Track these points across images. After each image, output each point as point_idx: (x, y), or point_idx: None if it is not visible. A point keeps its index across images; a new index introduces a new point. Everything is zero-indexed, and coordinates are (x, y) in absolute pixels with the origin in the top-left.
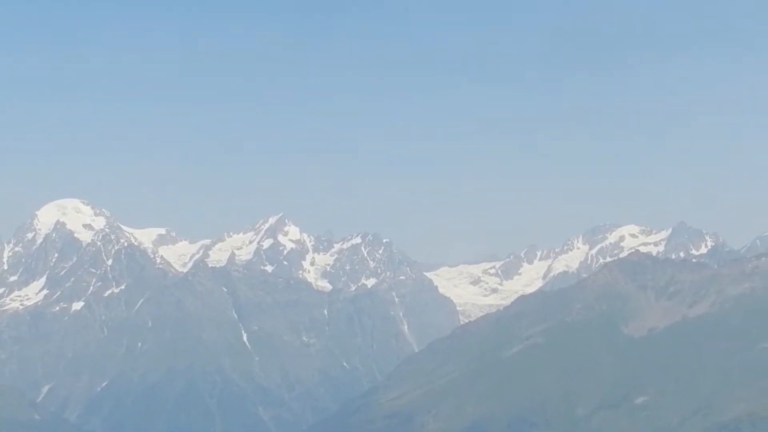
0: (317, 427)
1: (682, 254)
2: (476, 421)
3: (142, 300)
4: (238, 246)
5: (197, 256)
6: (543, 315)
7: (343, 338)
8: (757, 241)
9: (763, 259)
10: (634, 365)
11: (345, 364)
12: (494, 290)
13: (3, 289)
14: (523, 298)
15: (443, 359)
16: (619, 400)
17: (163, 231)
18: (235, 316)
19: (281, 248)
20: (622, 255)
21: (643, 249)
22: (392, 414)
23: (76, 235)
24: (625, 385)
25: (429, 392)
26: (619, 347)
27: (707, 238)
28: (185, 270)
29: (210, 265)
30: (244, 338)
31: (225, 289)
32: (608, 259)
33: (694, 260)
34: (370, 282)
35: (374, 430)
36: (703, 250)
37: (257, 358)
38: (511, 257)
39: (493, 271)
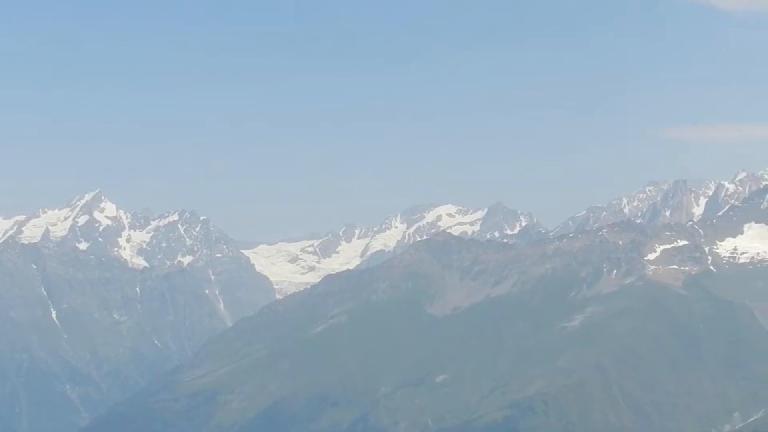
0: (121, 405)
1: (497, 234)
2: (278, 399)
3: None
4: (53, 222)
5: (11, 232)
6: (349, 294)
7: (155, 316)
8: (570, 222)
9: (565, 240)
10: (437, 344)
11: (156, 341)
12: (312, 268)
13: None
14: (330, 277)
15: (250, 337)
16: (421, 378)
17: None
18: (45, 293)
19: (97, 225)
20: None
21: (459, 228)
22: (196, 392)
23: None
24: (427, 363)
25: (234, 371)
26: (422, 326)
27: (522, 218)
28: None
29: (24, 242)
30: (53, 316)
31: (35, 266)
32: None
33: (505, 240)
34: (187, 259)
35: (177, 408)
36: (518, 231)
37: (66, 336)
38: (330, 235)
39: (311, 249)
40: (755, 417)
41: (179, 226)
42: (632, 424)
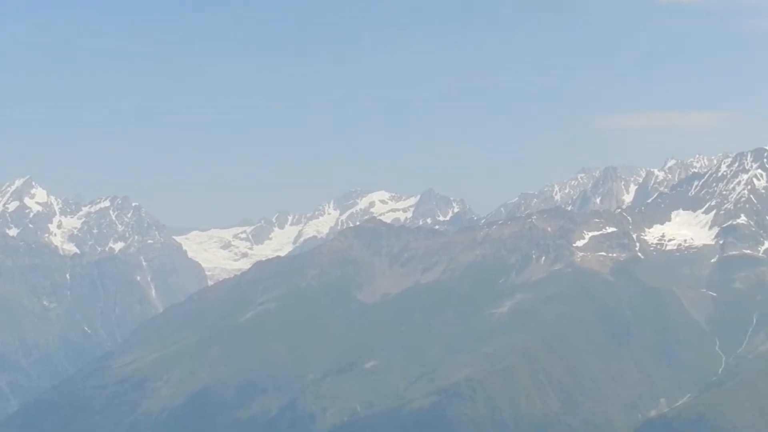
0: (49, 392)
1: (429, 220)
2: (207, 386)
3: None
4: None
5: None
6: (279, 281)
7: (85, 303)
8: (502, 209)
9: (494, 227)
10: (366, 331)
11: (86, 328)
12: (244, 255)
13: None
14: (260, 264)
15: (179, 324)
16: (349, 364)
17: None
18: None
19: (27, 211)
20: None
21: (392, 215)
22: (124, 379)
23: None
24: (356, 350)
25: (163, 357)
26: (351, 313)
27: (454, 204)
28: None
29: None
30: None
31: None
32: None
33: (437, 227)
34: (118, 246)
35: (105, 395)
36: (450, 217)
37: None
38: (263, 222)
39: (243, 235)
40: (681, 402)
41: (111, 212)
42: (559, 410)
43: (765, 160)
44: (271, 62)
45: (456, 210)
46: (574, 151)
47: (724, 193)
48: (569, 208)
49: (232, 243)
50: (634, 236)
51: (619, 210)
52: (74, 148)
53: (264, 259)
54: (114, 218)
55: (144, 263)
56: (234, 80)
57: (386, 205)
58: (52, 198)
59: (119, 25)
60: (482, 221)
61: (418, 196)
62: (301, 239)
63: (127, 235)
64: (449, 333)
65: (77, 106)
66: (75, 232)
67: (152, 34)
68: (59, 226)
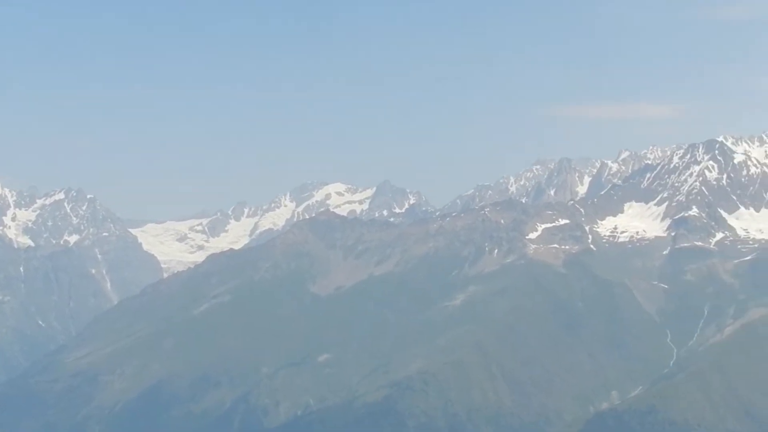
0: (2, 386)
1: (385, 212)
2: (160, 380)
3: None
4: None
5: None
6: (232, 273)
7: (39, 296)
8: (458, 201)
9: (448, 219)
10: (320, 324)
11: (41, 322)
12: (200, 247)
13: None
14: (214, 256)
15: (133, 317)
16: (303, 358)
17: None
18: None
19: None
20: None
21: (348, 207)
22: (76, 373)
23: None
24: (310, 343)
25: (116, 351)
26: (305, 306)
27: (410, 196)
28: None
29: None
30: None
31: None
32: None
33: (392, 219)
34: (73, 238)
35: (57, 389)
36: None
37: None
38: (219, 214)
39: (200, 227)
40: (633, 395)
41: (65, 205)
42: (511, 402)
43: (717, 151)
44: (228, 53)
45: (412, 202)
46: (532, 143)
47: (676, 184)
48: (524, 200)
49: (188, 235)
50: (587, 228)
51: (572, 202)
52: (29, 140)
53: (219, 251)
54: (69, 210)
55: (99, 256)
56: (192, 72)
57: (342, 197)
58: (6, 190)
59: (67, 15)
60: (437, 213)
61: (374, 188)
62: (258, 231)
63: (82, 227)
64: (403, 325)
65: (30, 97)
66: (29, 224)
67: (104, 23)
68: (13, 219)
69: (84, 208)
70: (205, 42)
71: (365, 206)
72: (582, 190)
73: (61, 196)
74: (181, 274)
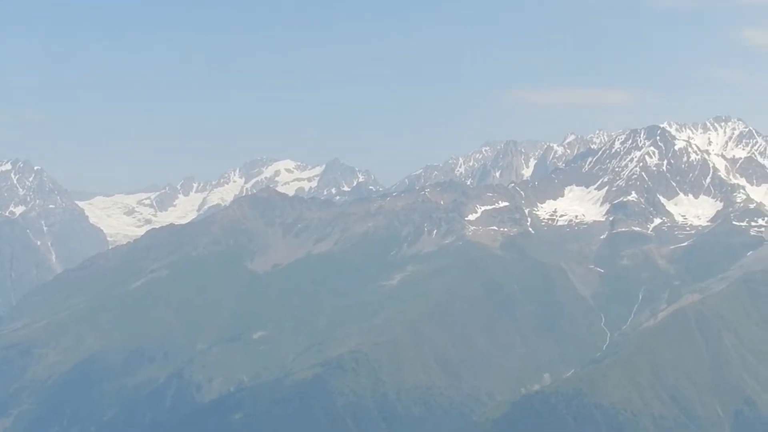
0: None
1: (333, 190)
2: (95, 353)
3: None
4: None
5: None
6: (171, 248)
7: None
8: (406, 180)
9: (388, 198)
10: (256, 301)
11: None
12: (148, 221)
13: None
14: (154, 231)
15: (71, 290)
16: (238, 334)
17: None
18: None
19: None
20: (277, 189)
21: (297, 184)
22: (10, 345)
23: None
24: (245, 319)
25: (52, 324)
26: (242, 282)
27: (359, 175)
28: None
29: None
30: None
31: None
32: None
33: (338, 197)
34: (19, 210)
35: None
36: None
37: None
38: (167, 188)
39: (148, 201)
40: (564, 378)
41: (12, 176)
42: (442, 383)
43: (658, 137)
44: (182, 25)
45: (360, 180)
46: (484, 125)
47: (617, 169)
48: (469, 182)
49: (136, 209)
50: (526, 211)
51: (513, 184)
52: None
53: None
54: (15, 182)
55: (45, 228)
56: (145, 42)
57: (291, 174)
58: None
59: None
60: (382, 193)
61: (324, 166)
62: (206, 207)
63: (29, 199)
64: (339, 304)
65: None
66: None
67: None
68: None
69: (31, 179)
70: (159, 12)
71: (314, 184)
72: (528, 173)
73: (8, 167)
74: (120, 248)
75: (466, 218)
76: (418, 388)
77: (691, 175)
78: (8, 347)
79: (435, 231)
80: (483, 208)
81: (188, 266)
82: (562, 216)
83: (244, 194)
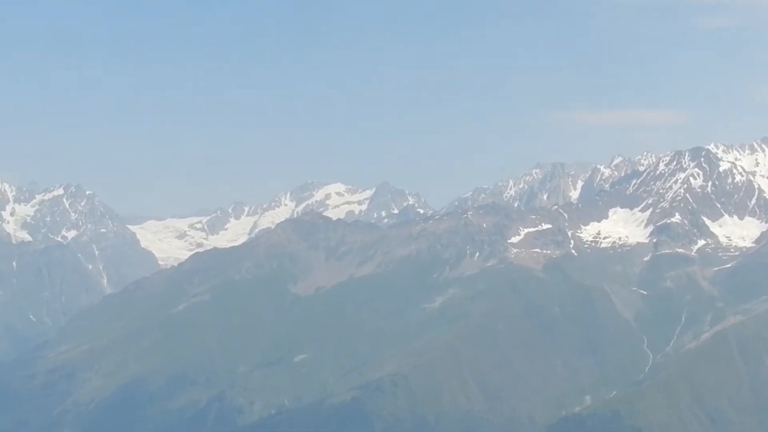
0: None
1: (383, 213)
2: (137, 377)
3: None
4: None
5: None
6: (215, 272)
7: (31, 291)
8: (455, 203)
9: (431, 221)
10: (298, 324)
11: (32, 317)
12: (200, 245)
13: None
14: (198, 255)
15: (115, 314)
16: (279, 357)
17: None
18: None
19: None
20: (327, 212)
21: (347, 207)
22: (54, 368)
23: None
24: (287, 343)
25: (95, 347)
26: (284, 306)
27: (409, 198)
28: None
29: None
30: None
31: None
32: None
33: (385, 220)
34: (71, 234)
35: (34, 384)
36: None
37: None
38: (219, 212)
39: (199, 225)
40: (605, 400)
41: (64, 201)
42: (481, 406)
43: (702, 159)
44: (231, 52)
45: (410, 203)
46: (536, 148)
47: (661, 191)
48: (516, 204)
49: (188, 233)
50: (569, 233)
51: (557, 207)
52: (30, 136)
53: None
54: (67, 206)
55: (96, 252)
56: (195, 70)
57: (342, 198)
58: (6, 185)
59: (69, 10)
60: (440, 212)
61: (374, 189)
62: (257, 230)
63: (80, 223)
64: (381, 327)
65: (32, 92)
66: (28, 219)
67: (107, 20)
68: (12, 214)
69: (83, 204)
70: (207, 41)
71: (364, 207)
72: (575, 195)
73: (60, 191)
74: (165, 272)
75: (508, 240)
76: (456, 411)
77: (736, 196)
78: (52, 371)
79: (477, 254)
80: (526, 230)
81: (231, 290)
82: (605, 238)
83: (294, 218)
